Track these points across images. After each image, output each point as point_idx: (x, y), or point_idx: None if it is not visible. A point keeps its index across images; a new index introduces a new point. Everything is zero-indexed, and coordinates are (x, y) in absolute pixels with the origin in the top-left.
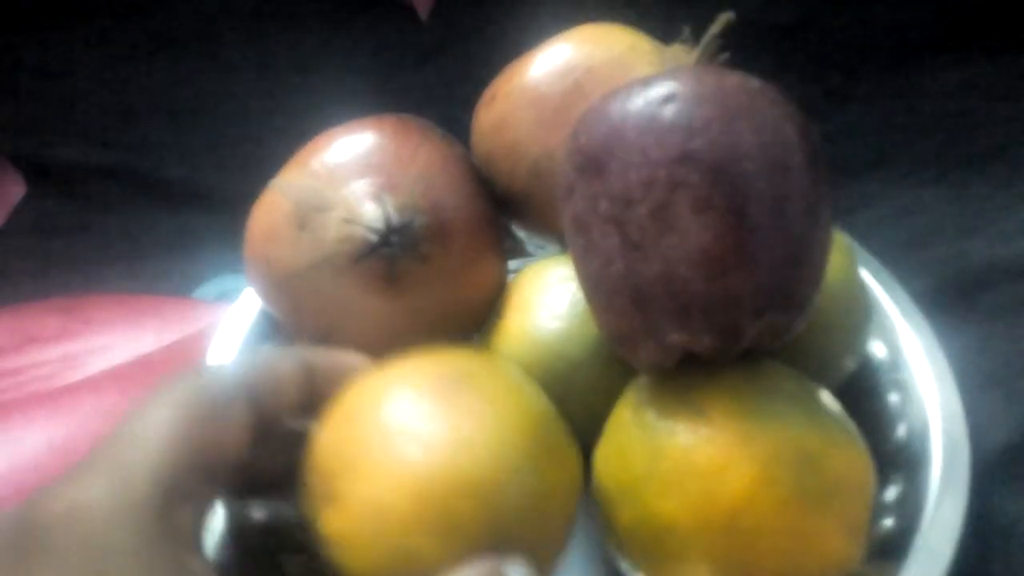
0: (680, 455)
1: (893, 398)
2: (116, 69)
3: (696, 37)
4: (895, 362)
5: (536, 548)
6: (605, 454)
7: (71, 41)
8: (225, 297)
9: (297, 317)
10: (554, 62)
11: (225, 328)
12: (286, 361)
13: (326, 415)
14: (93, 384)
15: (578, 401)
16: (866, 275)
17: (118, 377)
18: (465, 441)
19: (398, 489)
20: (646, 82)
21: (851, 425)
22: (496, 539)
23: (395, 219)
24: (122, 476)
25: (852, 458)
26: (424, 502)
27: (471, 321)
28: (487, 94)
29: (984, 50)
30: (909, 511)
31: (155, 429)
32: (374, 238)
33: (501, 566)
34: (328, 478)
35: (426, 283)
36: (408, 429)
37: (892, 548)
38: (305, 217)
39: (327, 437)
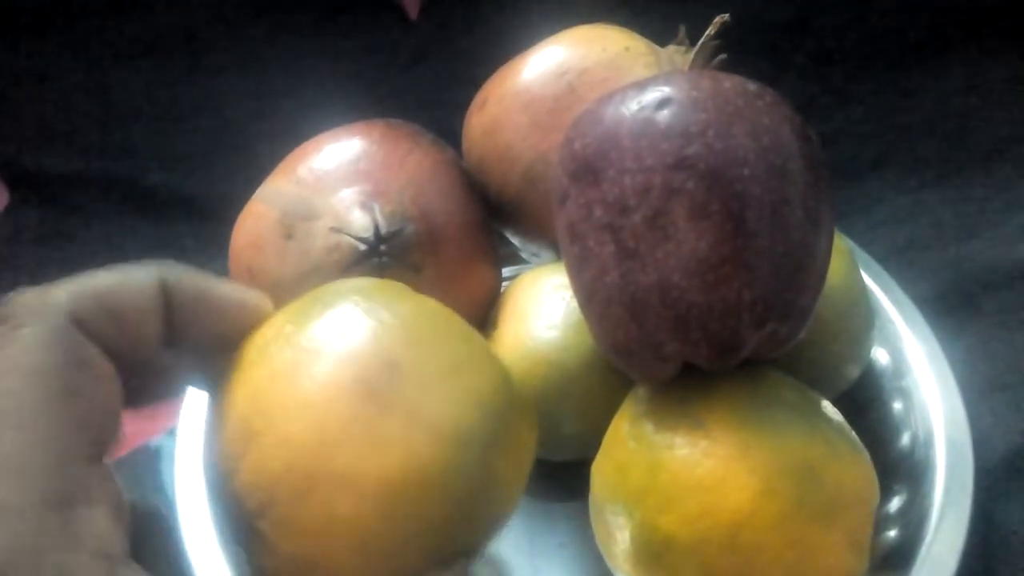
0: (679, 468)
1: (896, 406)
2: (99, 74)
3: (692, 37)
4: (898, 369)
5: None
6: (603, 467)
7: (52, 46)
8: None
9: None
10: (547, 64)
11: None
12: (134, 286)
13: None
14: None
15: (574, 413)
16: (867, 280)
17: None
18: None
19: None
20: (641, 86)
21: (853, 436)
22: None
23: (384, 227)
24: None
25: (854, 470)
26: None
27: None
28: (479, 97)
29: (985, 50)
30: (913, 521)
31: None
32: (363, 247)
33: None
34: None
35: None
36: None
37: (896, 559)
38: (292, 226)
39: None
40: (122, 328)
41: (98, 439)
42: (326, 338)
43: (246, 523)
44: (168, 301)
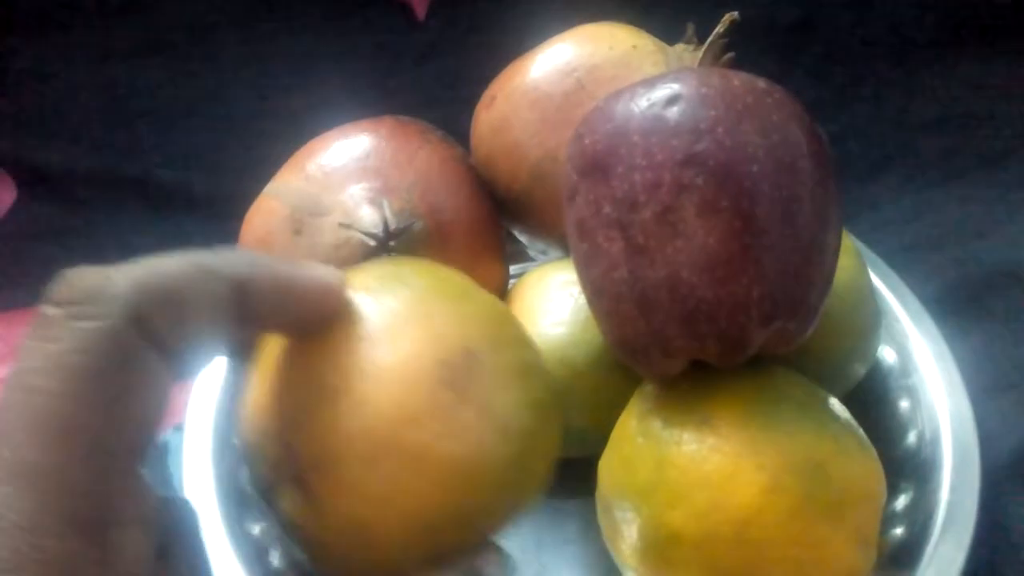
0: (687, 464)
1: (903, 404)
2: (107, 71)
3: (700, 36)
4: (905, 367)
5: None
6: (610, 463)
7: (61, 43)
8: None
9: None
10: (555, 61)
11: None
12: (207, 287)
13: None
14: None
15: (582, 409)
16: (874, 278)
17: None
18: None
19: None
20: (650, 83)
21: (861, 433)
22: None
23: (393, 223)
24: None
25: (861, 466)
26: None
27: None
28: (487, 94)
29: (992, 49)
30: (920, 519)
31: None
32: (372, 243)
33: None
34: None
35: None
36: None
37: (903, 557)
38: (301, 222)
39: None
40: (187, 329)
41: (137, 447)
42: (409, 314)
43: (294, 474)
44: (243, 300)
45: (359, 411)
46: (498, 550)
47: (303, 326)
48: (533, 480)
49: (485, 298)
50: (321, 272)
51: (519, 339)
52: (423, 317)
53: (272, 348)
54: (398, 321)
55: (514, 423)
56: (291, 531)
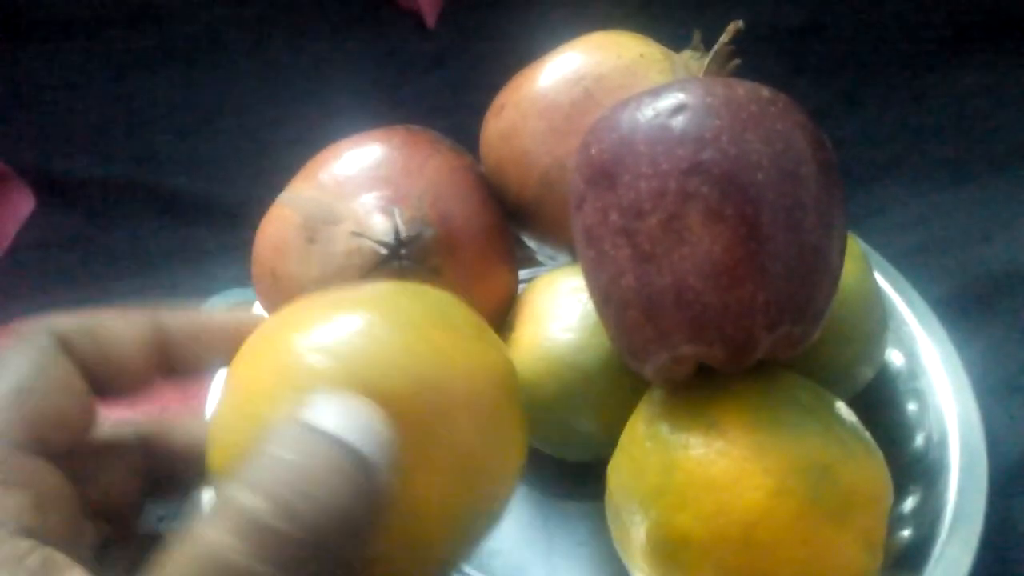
0: (694, 468)
1: (911, 408)
2: (122, 81)
3: (706, 43)
4: (912, 371)
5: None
6: (619, 467)
7: (77, 53)
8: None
9: None
10: (563, 70)
11: None
12: (122, 322)
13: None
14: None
15: (591, 414)
16: (882, 282)
17: (153, 414)
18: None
19: None
20: (656, 92)
21: (867, 436)
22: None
23: (404, 232)
24: None
25: (868, 469)
26: None
27: None
28: (496, 103)
29: (999, 51)
30: (927, 522)
31: None
32: (384, 251)
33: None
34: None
35: None
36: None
37: (910, 559)
38: (314, 230)
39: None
40: (108, 356)
41: (42, 436)
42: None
43: None
44: (162, 337)
45: None
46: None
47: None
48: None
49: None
50: (234, 313)
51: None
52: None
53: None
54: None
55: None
56: None
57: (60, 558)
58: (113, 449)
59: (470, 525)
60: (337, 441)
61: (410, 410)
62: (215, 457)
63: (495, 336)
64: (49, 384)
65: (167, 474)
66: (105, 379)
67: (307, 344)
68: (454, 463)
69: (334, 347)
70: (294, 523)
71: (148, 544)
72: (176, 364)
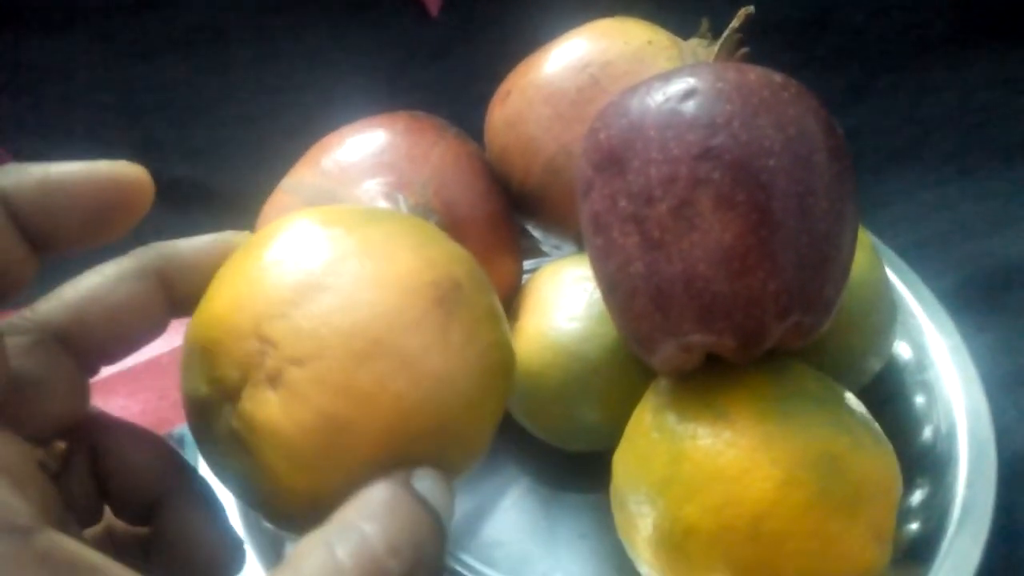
0: (702, 458)
1: (919, 400)
2: (120, 68)
3: (715, 31)
4: (920, 363)
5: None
6: (625, 458)
7: (75, 40)
8: None
9: None
10: (569, 57)
11: None
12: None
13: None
14: (103, 387)
15: (596, 404)
16: (890, 274)
17: (127, 379)
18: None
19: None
20: (666, 77)
21: (876, 427)
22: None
23: None
24: None
25: (877, 461)
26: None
27: None
28: (501, 90)
29: (1007, 43)
30: (936, 514)
31: None
32: None
33: (411, 480)
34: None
35: None
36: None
37: (919, 552)
38: None
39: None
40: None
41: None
42: (400, 239)
43: (269, 371)
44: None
45: (355, 309)
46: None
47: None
48: (487, 423)
49: (457, 245)
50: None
51: (488, 284)
52: (413, 244)
53: (246, 251)
54: (390, 242)
55: (488, 355)
56: (251, 439)
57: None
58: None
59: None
60: (434, 512)
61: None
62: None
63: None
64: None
65: (117, 488)
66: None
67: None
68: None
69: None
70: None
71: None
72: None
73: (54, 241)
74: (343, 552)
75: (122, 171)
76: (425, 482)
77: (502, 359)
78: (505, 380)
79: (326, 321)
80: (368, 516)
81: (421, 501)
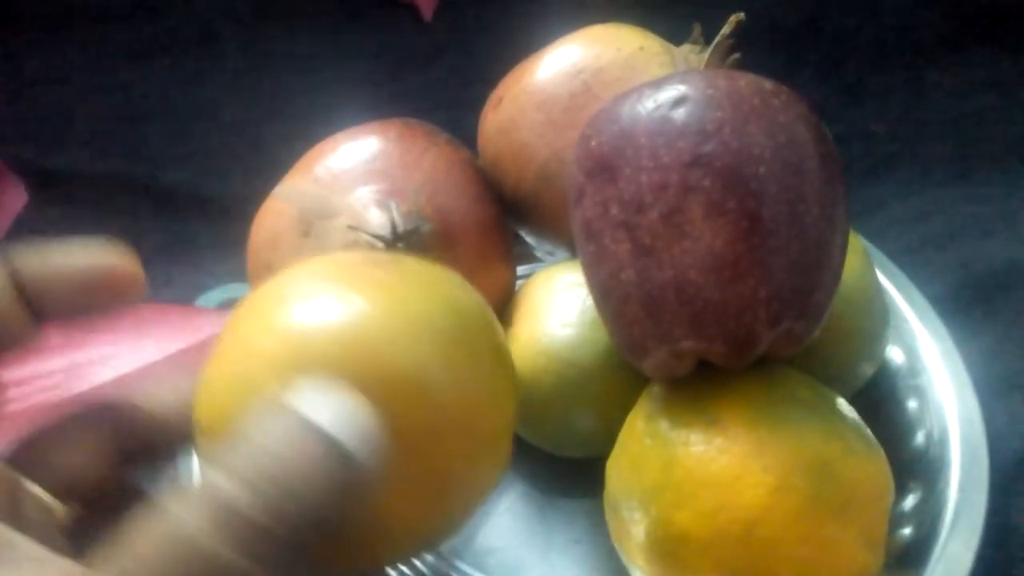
0: (694, 465)
1: (911, 405)
2: (116, 74)
3: (707, 37)
4: (913, 368)
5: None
6: (618, 464)
7: (70, 46)
8: (229, 305)
9: None
10: (562, 63)
11: None
12: None
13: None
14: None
15: (589, 410)
16: (882, 279)
17: (122, 386)
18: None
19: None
20: (657, 84)
21: (868, 433)
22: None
23: (401, 226)
24: None
25: (869, 466)
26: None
27: None
28: (494, 96)
29: (1001, 47)
30: (928, 519)
31: None
32: (380, 245)
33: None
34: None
35: None
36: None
37: (911, 557)
38: (309, 224)
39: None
40: None
41: None
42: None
43: None
44: (13, 270)
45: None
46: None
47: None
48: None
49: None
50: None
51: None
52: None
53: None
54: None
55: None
56: None
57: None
58: (77, 425)
59: (430, 537)
60: (326, 436)
61: (401, 416)
62: (202, 414)
63: (509, 358)
64: None
65: (140, 444)
66: None
67: (310, 319)
68: (430, 482)
69: (338, 329)
70: (271, 516)
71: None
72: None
73: (51, 311)
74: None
75: (111, 260)
76: (315, 402)
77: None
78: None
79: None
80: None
81: (309, 426)
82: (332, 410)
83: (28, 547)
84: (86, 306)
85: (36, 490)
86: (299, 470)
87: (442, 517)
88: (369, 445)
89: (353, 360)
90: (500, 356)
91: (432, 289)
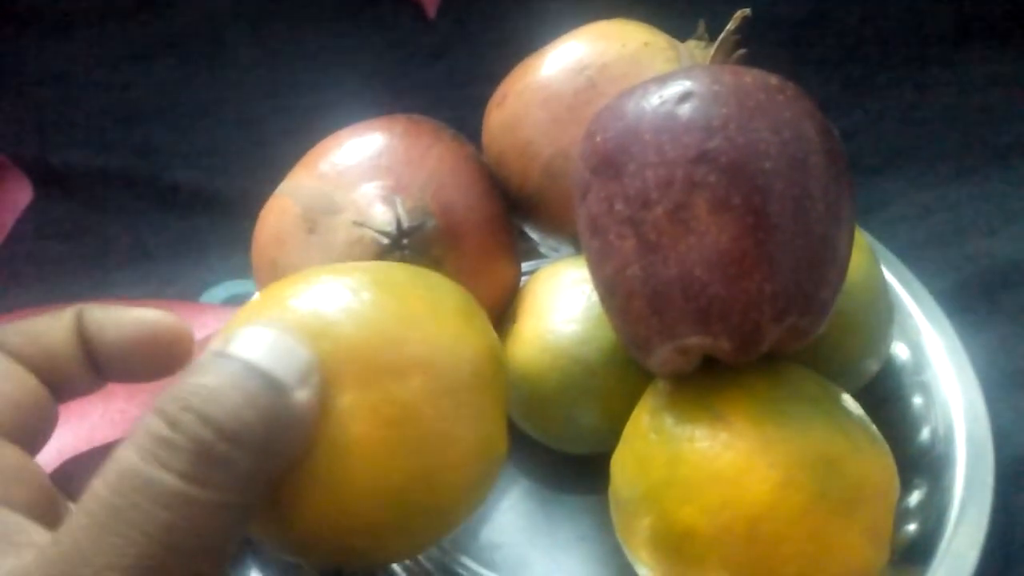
0: (699, 461)
1: (916, 401)
2: (120, 71)
3: (712, 32)
4: (918, 364)
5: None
6: (623, 460)
7: (74, 43)
8: (233, 301)
9: None
10: (566, 59)
11: None
12: (52, 318)
13: None
14: (103, 390)
15: (594, 406)
16: (887, 275)
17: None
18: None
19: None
20: (662, 80)
21: (874, 429)
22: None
23: (406, 222)
24: None
25: (875, 462)
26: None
27: None
28: (498, 93)
29: (1004, 43)
30: (933, 515)
31: None
32: (385, 241)
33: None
34: None
35: None
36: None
37: (916, 553)
38: (314, 221)
39: None
40: (39, 348)
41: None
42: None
43: None
44: (81, 325)
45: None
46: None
47: (145, 359)
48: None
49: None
50: (157, 313)
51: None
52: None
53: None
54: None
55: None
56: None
57: (21, 520)
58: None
59: (416, 515)
60: (254, 368)
61: (368, 365)
62: None
63: (487, 325)
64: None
65: None
66: (43, 371)
67: (292, 300)
68: (405, 435)
69: (312, 302)
70: (196, 441)
71: None
72: (101, 357)
73: (111, 368)
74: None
75: (162, 321)
76: (243, 340)
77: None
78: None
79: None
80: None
81: (234, 359)
82: (257, 343)
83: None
84: (142, 364)
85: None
86: (228, 398)
87: (423, 484)
88: (297, 369)
89: (321, 317)
90: (473, 318)
91: (413, 268)
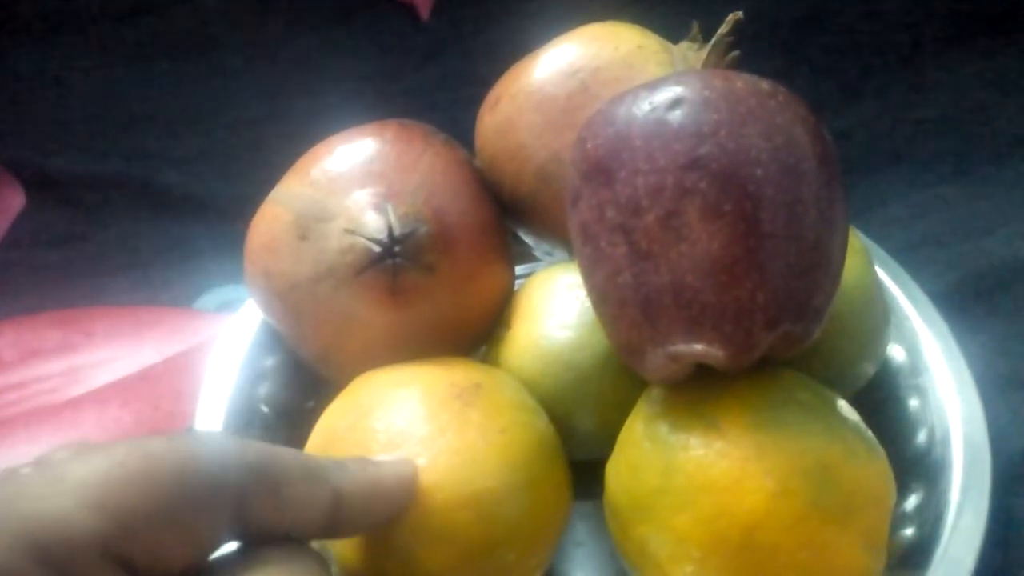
0: (694, 469)
1: (913, 404)
2: (113, 76)
3: (705, 34)
4: (914, 367)
5: (524, 559)
6: (617, 468)
7: (67, 48)
8: (226, 308)
9: (298, 330)
10: (559, 62)
11: (226, 339)
12: (307, 484)
13: (330, 407)
14: (96, 397)
15: (589, 413)
16: (883, 276)
17: (121, 390)
18: (470, 455)
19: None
20: (653, 86)
21: (869, 435)
22: (489, 548)
23: (398, 229)
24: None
25: (870, 469)
26: (427, 511)
27: (477, 332)
28: (491, 96)
29: (1001, 43)
30: (930, 520)
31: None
32: (377, 248)
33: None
34: None
35: (431, 294)
36: (415, 436)
37: (913, 558)
38: (306, 227)
39: (330, 433)
40: (285, 519)
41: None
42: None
43: None
44: (337, 506)
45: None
46: None
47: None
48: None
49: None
50: (399, 467)
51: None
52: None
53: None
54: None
55: (509, 432)
56: None
57: None
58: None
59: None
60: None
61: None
62: None
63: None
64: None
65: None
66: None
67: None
68: None
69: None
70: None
71: None
72: (336, 529)
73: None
74: None
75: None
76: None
77: (528, 438)
78: (537, 453)
79: None
80: None
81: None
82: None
83: None
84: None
85: None
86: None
87: None
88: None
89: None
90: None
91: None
